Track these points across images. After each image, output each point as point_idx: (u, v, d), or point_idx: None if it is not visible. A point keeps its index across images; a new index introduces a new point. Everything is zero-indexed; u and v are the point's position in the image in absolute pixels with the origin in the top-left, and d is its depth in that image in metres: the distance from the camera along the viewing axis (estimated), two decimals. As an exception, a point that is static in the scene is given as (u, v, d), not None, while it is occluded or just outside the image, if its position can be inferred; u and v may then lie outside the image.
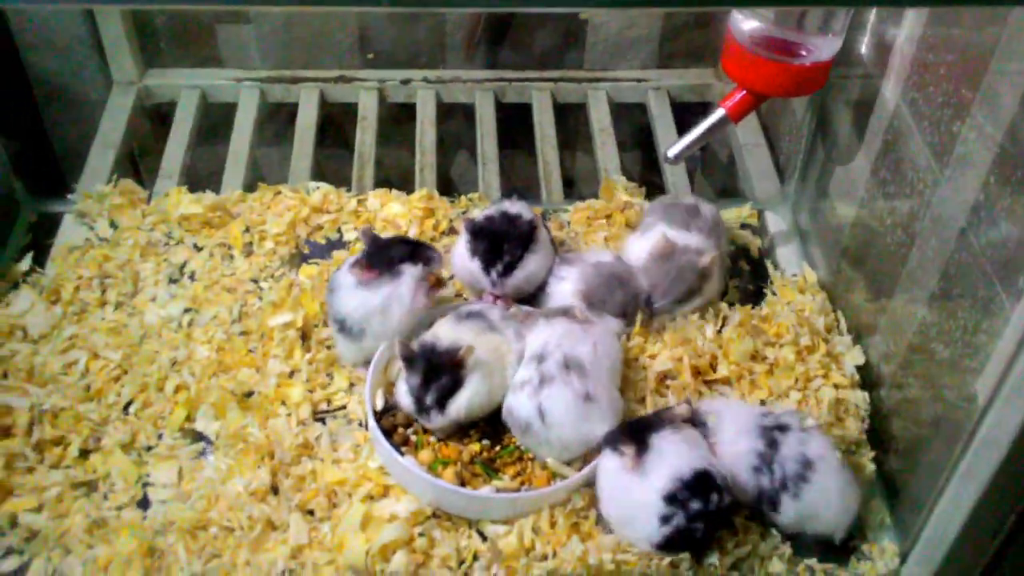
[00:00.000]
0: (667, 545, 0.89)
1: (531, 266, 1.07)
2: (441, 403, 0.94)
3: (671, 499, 0.87)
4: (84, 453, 0.98)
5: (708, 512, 0.88)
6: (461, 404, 0.95)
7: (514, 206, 1.11)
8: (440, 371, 0.94)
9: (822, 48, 1.04)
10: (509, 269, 1.06)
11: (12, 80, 1.40)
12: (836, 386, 1.05)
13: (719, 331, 1.10)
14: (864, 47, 1.10)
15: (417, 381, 0.94)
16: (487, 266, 1.06)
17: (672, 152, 1.13)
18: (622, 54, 1.59)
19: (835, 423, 1.02)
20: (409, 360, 0.95)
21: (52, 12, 1.43)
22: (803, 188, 1.31)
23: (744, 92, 1.08)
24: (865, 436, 1.03)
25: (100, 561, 0.89)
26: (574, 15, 1.51)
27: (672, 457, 0.90)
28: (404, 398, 0.96)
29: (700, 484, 0.88)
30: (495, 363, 0.97)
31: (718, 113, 1.10)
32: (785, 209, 1.33)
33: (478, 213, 1.13)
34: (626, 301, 1.07)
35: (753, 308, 1.15)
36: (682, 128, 1.47)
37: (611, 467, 0.91)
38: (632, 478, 0.89)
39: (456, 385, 0.94)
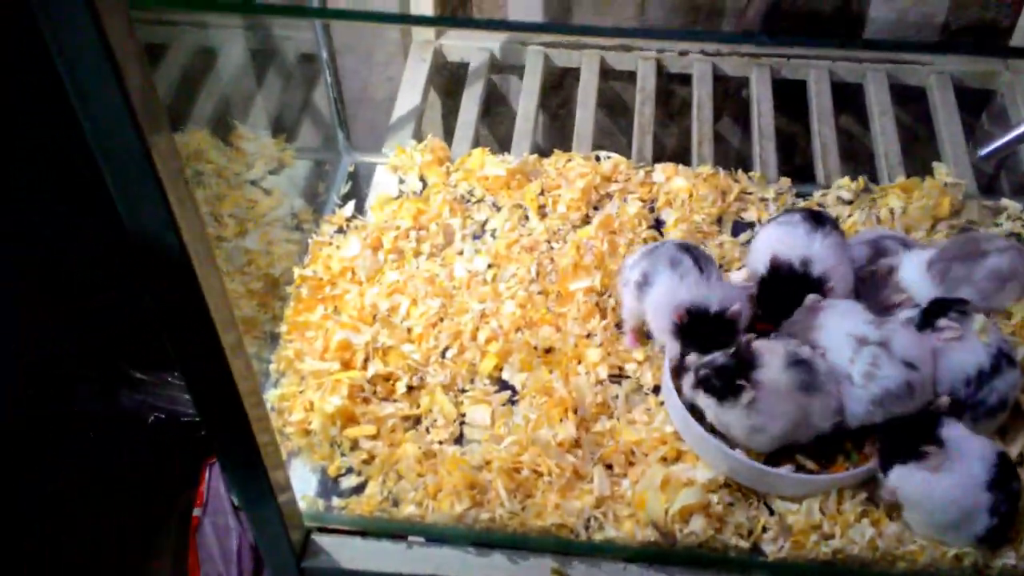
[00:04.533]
0: (991, 536, 0.93)
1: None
2: None
3: (996, 487, 0.91)
4: (410, 389, 1.10)
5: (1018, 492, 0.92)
6: None
7: (822, 255, 1.07)
8: None
9: None
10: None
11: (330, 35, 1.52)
12: None
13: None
14: None
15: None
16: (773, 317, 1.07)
17: (983, 152, 1.13)
18: (904, 32, 1.57)
19: None
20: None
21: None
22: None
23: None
24: None
25: (430, 489, 1.00)
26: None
27: (969, 447, 0.93)
28: None
29: (1008, 466, 0.93)
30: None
31: (1039, 116, 1.09)
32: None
33: (777, 223, 1.13)
34: None
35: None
36: (964, 115, 1.45)
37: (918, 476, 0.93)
38: (941, 478, 0.92)
39: None
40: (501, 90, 1.69)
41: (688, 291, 1.04)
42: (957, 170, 1.37)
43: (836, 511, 0.97)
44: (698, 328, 1.02)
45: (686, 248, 1.09)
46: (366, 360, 1.11)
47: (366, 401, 1.08)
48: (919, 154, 1.41)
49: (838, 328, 1.01)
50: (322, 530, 1.03)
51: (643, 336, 1.14)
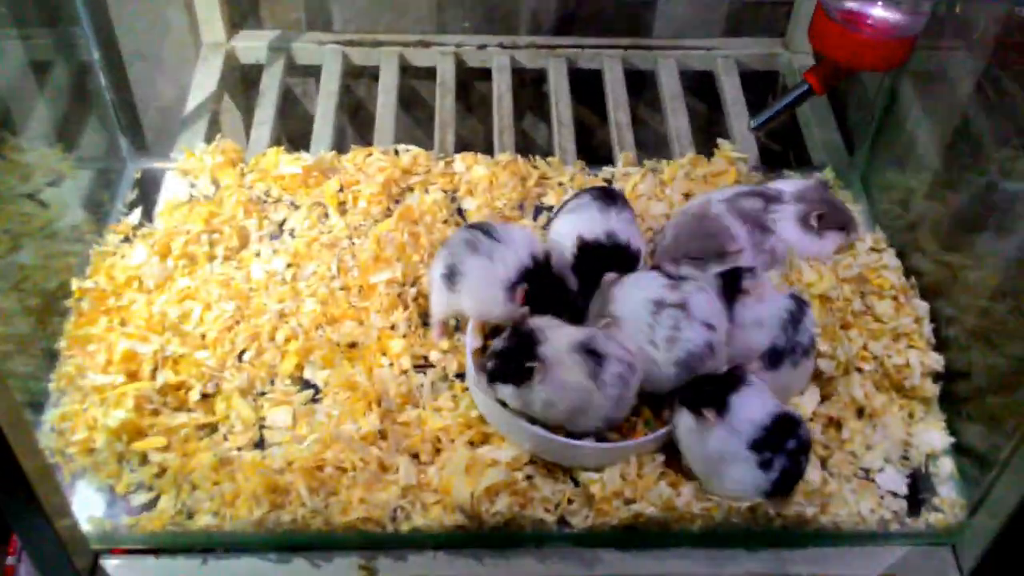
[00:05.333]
0: (776, 490, 0.96)
1: None
2: None
3: (764, 446, 0.94)
4: (204, 397, 1.05)
5: (797, 449, 0.96)
6: None
7: (621, 228, 1.11)
8: None
9: (910, 22, 1.07)
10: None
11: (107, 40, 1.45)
12: (915, 347, 1.11)
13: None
14: (947, 24, 1.14)
15: None
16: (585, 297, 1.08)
17: (756, 122, 1.18)
18: (691, 24, 1.63)
19: (917, 385, 1.08)
20: None
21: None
22: (873, 158, 1.35)
23: (831, 65, 1.12)
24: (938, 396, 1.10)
25: (227, 496, 0.96)
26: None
27: (745, 408, 0.97)
28: None
29: (783, 427, 0.96)
30: None
31: (803, 86, 1.15)
32: (854, 178, 1.37)
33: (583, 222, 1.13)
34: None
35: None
36: (750, 96, 1.52)
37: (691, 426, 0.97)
38: (719, 434, 0.95)
39: None
40: (299, 93, 1.65)
41: (509, 265, 1.05)
42: (744, 147, 1.42)
43: (637, 476, 0.98)
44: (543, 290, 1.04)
45: (473, 228, 1.09)
46: (155, 370, 1.06)
47: (155, 413, 1.03)
48: (711, 135, 1.46)
49: (634, 297, 1.02)
50: (113, 552, 0.96)
51: (450, 328, 1.13)
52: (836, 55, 1.10)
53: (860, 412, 1.09)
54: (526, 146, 1.43)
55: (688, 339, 0.99)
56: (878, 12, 1.06)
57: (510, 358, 0.97)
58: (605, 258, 1.07)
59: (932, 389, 1.10)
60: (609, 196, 1.14)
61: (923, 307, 1.15)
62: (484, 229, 1.08)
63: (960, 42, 1.13)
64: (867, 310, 1.15)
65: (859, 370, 1.10)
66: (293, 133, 1.56)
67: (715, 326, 1.00)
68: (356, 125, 1.65)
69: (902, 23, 1.07)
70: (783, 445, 0.95)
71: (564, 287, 1.09)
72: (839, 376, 1.09)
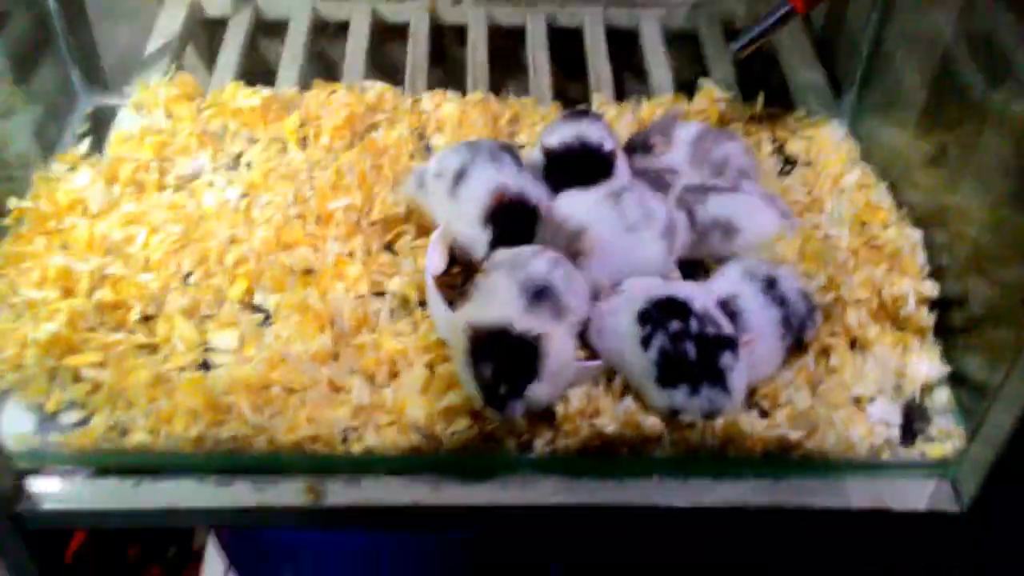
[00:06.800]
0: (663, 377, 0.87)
1: None
2: None
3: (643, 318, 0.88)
4: (145, 319, 0.98)
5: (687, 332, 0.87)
6: None
7: (594, 129, 1.04)
8: None
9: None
10: None
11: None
12: (909, 275, 1.05)
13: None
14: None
15: None
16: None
17: (736, 45, 1.12)
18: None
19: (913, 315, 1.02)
20: None
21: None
22: (861, 101, 1.30)
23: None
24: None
25: (163, 414, 0.88)
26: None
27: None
28: None
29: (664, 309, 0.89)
30: None
31: (785, 6, 1.09)
32: (842, 121, 1.31)
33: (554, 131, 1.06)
34: None
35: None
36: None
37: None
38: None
39: None
40: (265, 51, 1.59)
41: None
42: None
43: (604, 394, 0.91)
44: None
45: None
46: (92, 289, 0.98)
47: (91, 330, 0.95)
48: (692, 86, 1.41)
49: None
50: (41, 472, 0.88)
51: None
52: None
53: (853, 343, 1.01)
54: (499, 94, 1.38)
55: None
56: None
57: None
58: (575, 162, 1.00)
59: (927, 319, 1.03)
60: (579, 112, 1.09)
61: (916, 235, 1.09)
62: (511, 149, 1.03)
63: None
64: (865, 241, 1.09)
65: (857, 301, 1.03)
66: (256, 82, 1.50)
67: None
68: (323, 72, 1.58)
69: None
70: (664, 326, 0.87)
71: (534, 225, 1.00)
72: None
